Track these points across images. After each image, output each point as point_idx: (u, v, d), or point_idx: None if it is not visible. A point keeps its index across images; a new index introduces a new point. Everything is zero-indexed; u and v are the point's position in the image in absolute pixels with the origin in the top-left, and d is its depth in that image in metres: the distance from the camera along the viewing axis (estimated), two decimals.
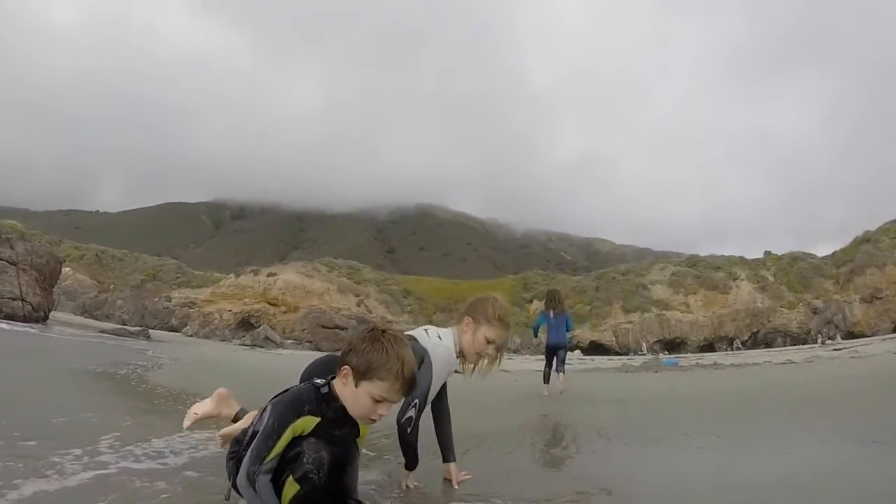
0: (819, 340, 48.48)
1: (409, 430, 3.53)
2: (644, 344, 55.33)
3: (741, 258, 66.56)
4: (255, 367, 15.93)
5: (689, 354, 44.19)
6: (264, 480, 2.45)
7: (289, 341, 48.90)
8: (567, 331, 11.04)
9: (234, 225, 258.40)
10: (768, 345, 54.36)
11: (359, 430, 2.87)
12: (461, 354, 3.79)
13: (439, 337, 3.74)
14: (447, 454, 3.86)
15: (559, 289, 16.66)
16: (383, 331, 2.69)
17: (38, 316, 21.73)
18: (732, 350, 51.77)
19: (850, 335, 50.79)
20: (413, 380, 2.66)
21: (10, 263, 21.34)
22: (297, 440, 2.54)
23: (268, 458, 2.47)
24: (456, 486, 3.69)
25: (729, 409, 7.24)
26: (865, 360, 15.00)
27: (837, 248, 63.82)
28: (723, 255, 68.40)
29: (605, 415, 7.05)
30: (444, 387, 3.89)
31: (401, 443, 3.57)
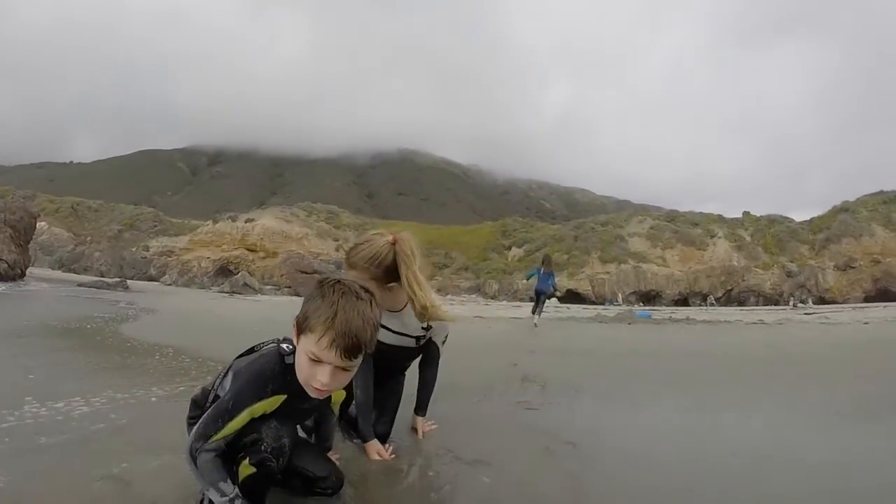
0: (791, 303, 49.16)
1: (355, 394, 3.44)
2: (620, 295, 55.86)
3: (720, 216, 66.93)
4: (233, 317, 15.87)
5: (664, 308, 44.70)
6: (207, 458, 2.21)
7: (267, 287, 48.96)
8: (550, 284, 16.48)
9: (211, 171, 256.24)
10: (741, 303, 55.15)
11: (330, 395, 2.57)
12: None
13: None
14: (417, 406, 3.83)
15: (551, 255, 20.36)
16: (335, 281, 2.33)
17: (15, 273, 21.35)
18: (706, 306, 52.42)
19: (822, 301, 51.74)
20: (350, 336, 2.18)
21: None
22: (257, 420, 2.30)
23: (214, 439, 2.23)
24: (421, 437, 3.66)
25: (697, 368, 7.31)
26: (835, 328, 15.19)
27: (815, 216, 64.39)
28: (702, 213, 68.71)
29: (575, 367, 7.10)
30: (431, 354, 3.82)
31: None
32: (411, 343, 3.70)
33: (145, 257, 65.88)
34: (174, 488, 2.60)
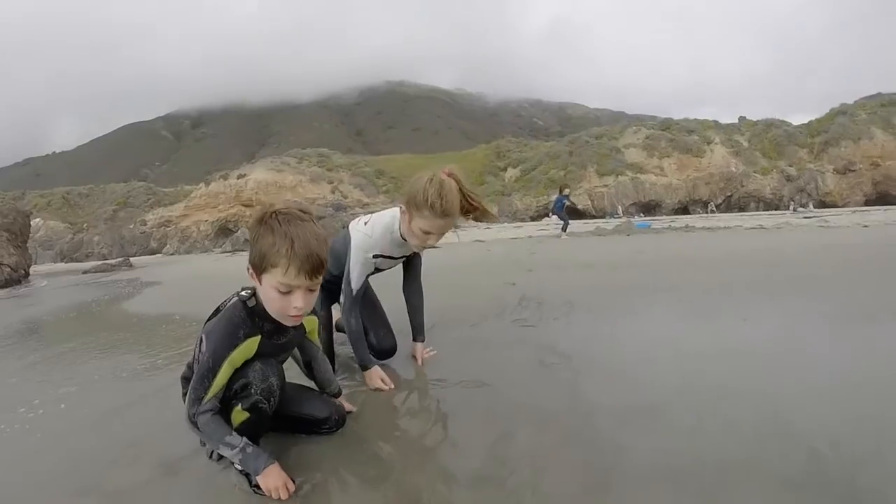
0: (791, 207, 49.17)
1: (346, 324, 3.48)
2: (619, 207, 55.95)
3: (715, 122, 66.53)
4: (236, 275, 15.86)
5: (664, 217, 44.73)
6: (205, 419, 2.30)
7: None
8: (556, 205, 22.17)
9: (196, 133, 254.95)
10: (741, 209, 55.37)
11: (304, 326, 2.69)
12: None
13: (364, 223, 3.60)
14: (415, 334, 3.86)
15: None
16: (273, 213, 2.32)
17: (19, 275, 21.05)
18: (707, 213, 52.46)
19: (822, 204, 51.96)
20: (313, 257, 2.26)
21: None
22: (241, 369, 2.37)
23: (206, 399, 2.31)
24: (420, 364, 3.70)
25: (694, 274, 7.32)
26: (834, 231, 15.17)
27: (813, 119, 63.69)
28: (696, 119, 68.14)
29: (572, 282, 7.11)
30: (413, 266, 3.83)
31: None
32: (402, 259, 3.76)
33: (144, 232, 65.95)
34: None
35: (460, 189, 3.20)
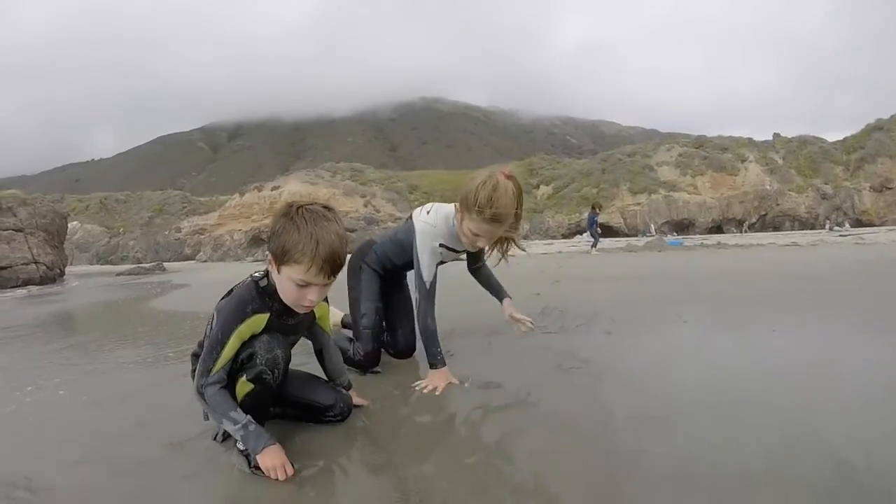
0: (827, 226, 48.44)
1: (418, 317, 3.43)
2: (652, 226, 55.46)
3: (749, 139, 65.72)
4: None
5: (697, 236, 44.31)
6: (213, 391, 2.37)
7: None
8: (590, 224, 22.54)
9: (232, 146, 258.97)
10: (776, 228, 54.56)
11: (314, 312, 2.75)
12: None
13: (427, 213, 3.57)
14: (499, 297, 3.99)
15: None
16: (298, 208, 2.38)
17: (55, 274, 21.78)
18: (742, 232, 51.86)
19: (859, 223, 50.94)
20: (333, 258, 2.33)
21: (16, 231, 21.13)
22: (250, 339, 2.42)
23: (214, 370, 2.37)
24: (515, 318, 3.86)
25: (724, 286, 7.21)
26: (870, 248, 14.92)
27: (848, 135, 62.76)
28: (731, 136, 67.47)
29: (598, 293, 7.02)
30: (477, 254, 3.82)
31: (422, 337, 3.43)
32: (462, 255, 3.74)
33: (178, 238, 67.04)
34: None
35: (517, 194, 3.20)
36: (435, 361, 3.35)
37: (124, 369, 4.25)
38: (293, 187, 65.54)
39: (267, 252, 2.44)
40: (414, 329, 3.80)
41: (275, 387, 2.47)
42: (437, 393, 3.15)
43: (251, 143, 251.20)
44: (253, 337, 2.43)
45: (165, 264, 35.25)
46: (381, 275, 3.87)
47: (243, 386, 2.39)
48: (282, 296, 2.44)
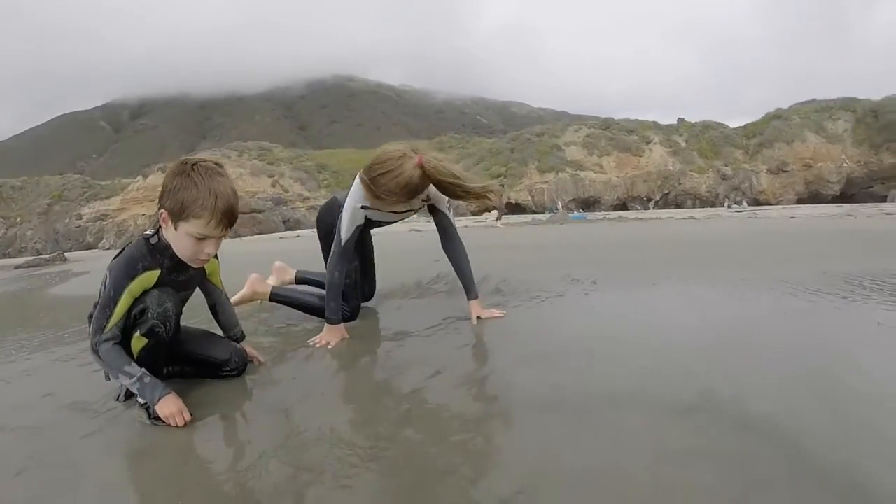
0: (726, 204, 50.44)
1: (329, 275, 3.50)
2: (559, 203, 56.38)
3: (654, 123, 67.54)
4: None
5: (601, 212, 45.38)
6: (107, 347, 2.44)
7: None
8: None
9: (136, 125, 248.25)
10: (678, 206, 56.40)
11: (204, 269, 2.85)
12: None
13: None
14: (466, 292, 3.68)
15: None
16: (193, 164, 2.48)
17: None
18: (645, 209, 53.37)
19: (756, 202, 53.48)
20: (230, 211, 2.46)
21: None
22: (142, 296, 2.49)
23: (108, 328, 2.45)
24: (475, 322, 3.54)
25: (615, 252, 7.52)
26: (761, 221, 15.68)
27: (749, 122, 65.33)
28: (637, 119, 69.15)
29: (492, 259, 7.07)
30: (443, 225, 3.70)
31: None
32: (412, 216, 3.76)
33: (79, 226, 63.61)
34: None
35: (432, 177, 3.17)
36: (332, 316, 3.44)
37: (26, 349, 4.18)
38: None
39: (161, 210, 2.48)
40: (374, 279, 4.07)
41: (167, 339, 2.55)
42: (328, 347, 3.27)
43: (155, 121, 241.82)
44: (144, 293, 2.50)
45: (67, 254, 33.60)
46: (361, 236, 3.80)
47: (138, 341, 2.46)
48: (178, 252, 2.53)
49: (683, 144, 62.72)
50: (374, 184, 3.16)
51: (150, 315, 2.44)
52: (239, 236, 39.49)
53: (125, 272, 2.47)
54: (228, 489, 1.81)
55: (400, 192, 3.14)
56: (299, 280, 4.49)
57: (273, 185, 61.93)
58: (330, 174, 66.22)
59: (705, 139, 63.21)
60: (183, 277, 2.66)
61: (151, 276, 2.51)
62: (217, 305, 3.05)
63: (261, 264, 5.08)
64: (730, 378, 2.31)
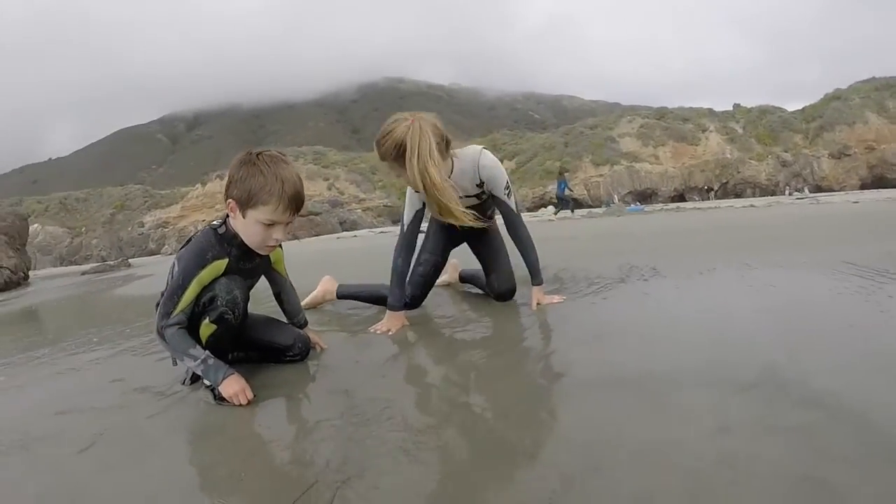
0: (787, 192, 49.12)
1: (393, 261, 3.56)
2: (615, 196, 55.78)
3: (710, 110, 66.31)
4: None
5: (659, 204, 44.76)
6: (172, 331, 2.51)
7: None
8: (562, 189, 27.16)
9: (191, 136, 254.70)
10: (738, 195, 55.20)
11: (269, 257, 2.92)
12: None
13: None
14: (532, 277, 3.67)
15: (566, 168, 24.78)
16: (258, 154, 2.56)
17: (19, 278, 21.00)
18: (704, 199, 52.42)
19: (818, 189, 51.84)
20: (297, 196, 2.55)
21: None
22: (210, 284, 2.56)
23: (175, 313, 2.52)
24: (534, 308, 3.57)
25: (673, 238, 7.46)
26: (823, 206, 15.27)
27: (807, 104, 63.52)
28: (691, 107, 67.99)
29: (551, 250, 7.05)
30: (504, 213, 3.66)
31: None
32: (474, 201, 3.66)
33: (142, 233, 65.81)
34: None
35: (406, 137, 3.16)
36: (395, 303, 3.50)
37: (94, 342, 4.37)
38: None
39: (229, 200, 2.56)
40: (509, 275, 3.91)
41: (236, 326, 2.62)
42: (389, 334, 3.33)
43: (210, 132, 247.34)
44: (213, 281, 2.57)
45: (130, 260, 34.68)
46: (445, 226, 3.84)
47: (207, 328, 2.53)
48: (247, 240, 2.61)
49: (740, 131, 61.46)
50: (377, 149, 3.25)
51: (219, 302, 2.52)
52: (296, 238, 40.10)
53: (195, 261, 2.54)
54: (288, 463, 1.85)
55: (393, 152, 3.17)
56: (340, 296, 4.41)
57: (329, 188, 62.78)
58: (384, 175, 66.52)
59: (763, 125, 61.81)
60: (250, 266, 2.75)
61: (220, 264, 2.58)
62: (282, 293, 3.14)
63: (318, 263, 5.19)
64: (792, 356, 2.27)
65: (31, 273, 24.18)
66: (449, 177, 3.37)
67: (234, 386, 2.41)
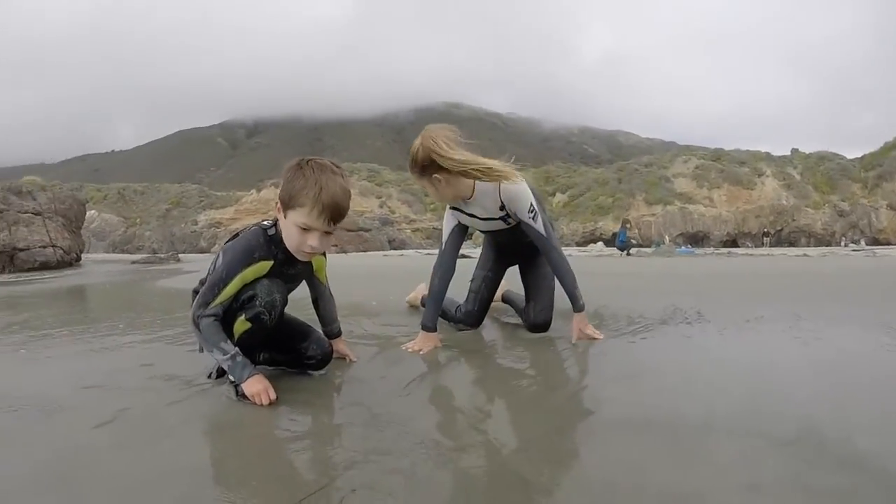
0: (843, 243, 47.92)
1: (430, 280, 3.60)
2: (666, 237, 54.99)
3: (767, 154, 65.23)
4: None
5: (710, 248, 44.10)
6: (207, 322, 2.53)
7: None
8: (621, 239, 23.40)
9: (251, 143, 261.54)
10: (791, 244, 53.91)
11: (312, 264, 2.92)
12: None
13: None
14: (572, 303, 3.54)
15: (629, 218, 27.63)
16: (309, 160, 2.60)
17: (71, 258, 22.07)
18: (761, 245, 51.36)
19: (875, 242, 50.22)
20: (335, 206, 2.50)
21: (35, 214, 21.51)
22: (252, 283, 2.59)
23: (213, 304, 2.54)
24: (574, 340, 3.47)
25: (718, 282, 7.33)
26: (880, 259, 14.89)
27: (867, 152, 62.14)
28: (748, 150, 67.06)
29: (594, 286, 6.93)
30: (535, 237, 3.51)
31: None
32: (502, 224, 3.61)
33: (194, 231, 66.89)
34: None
35: (425, 142, 3.26)
36: (427, 323, 3.46)
37: (131, 327, 4.56)
38: None
39: (276, 200, 2.61)
40: (546, 306, 3.79)
41: (269, 327, 2.63)
42: (420, 353, 3.30)
43: (269, 140, 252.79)
44: (256, 280, 2.60)
45: (180, 255, 35.41)
46: (492, 244, 4.01)
47: (241, 324, 2.56)
48: (286, 241, 2.61)
49: (798, 177, 60.32)
50: (411, 171, 3.36)
51: (258, 302, 2.54)
52: (344, 251, 40.43)
53: (242, 258, 2.58)
54: (298, 465, 1.85)
55: (413, 168, 3.31)
56: (422, 303, 4.30)
57: (380, 206, 63.17)
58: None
59: (820, 171, 60.55)
60: (293, 271, 2.77)
61: (265, 265, 2.62)
62: (319, 300, 3.13)
63: (359, 277, 5.22)
64: (835, 413, 2.18)
65: (83, 255, 24.99)
66: (471, 196, 3.42)
67: (256, 385, 2.43)
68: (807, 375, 2.76)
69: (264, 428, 2.20)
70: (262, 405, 2.38)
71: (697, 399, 2.36)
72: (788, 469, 1.71)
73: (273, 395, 2.42)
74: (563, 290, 3.55)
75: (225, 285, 2.54)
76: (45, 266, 20.14)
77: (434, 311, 3.49)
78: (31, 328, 4.78)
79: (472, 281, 3.97)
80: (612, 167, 72.86)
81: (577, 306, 3.53)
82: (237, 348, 2.53)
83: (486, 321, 4.28)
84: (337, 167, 2.62)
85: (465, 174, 3.26)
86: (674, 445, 1.90)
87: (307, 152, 2.89)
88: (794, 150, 65.70)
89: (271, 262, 2.63)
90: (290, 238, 2.58)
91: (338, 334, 3.20)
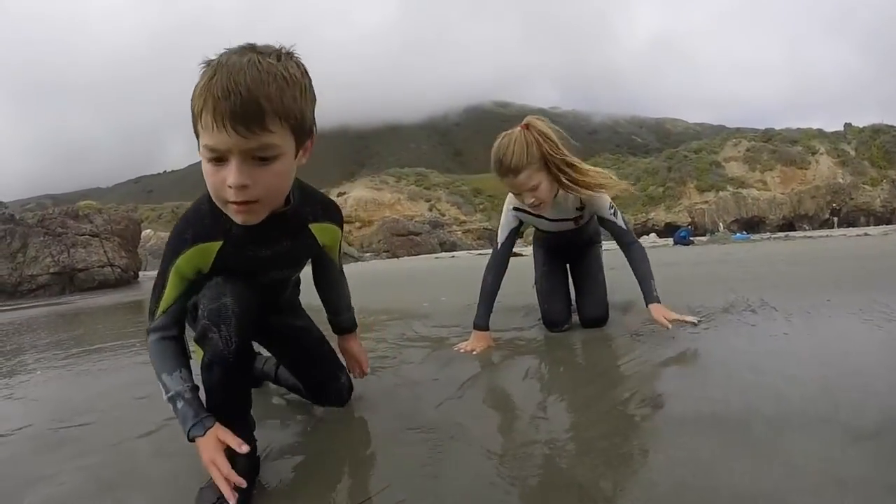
0: None
1: (483, 278, 3.50)
2: (721, 224, 54.08)
3: (819, 131, 63.63)
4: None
5: (767, 234, 43.21)
6: (152, 339, 1.73)
7: (367, 254, 50.19)
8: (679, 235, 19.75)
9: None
10: (850, 224, 52.38)
11: (312, 234, 1.96)
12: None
13: None
14: (646, 296, 3.31)
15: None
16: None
17: (129, 276, 23.00)
18: (820, 227, 50.06)
19: None
20: (237, 93, 1.39)
21: (92, 236, 22.48)
22: (199, 280, 1.77)
23: (157, 314, 1.73)
24: (668, 327, 3.12)
25: (778, 266, 7.11)
26: None
27: None
28: (799, 129, 65.50)
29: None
30: (615, 232, 3.44)
31: None
32: (571, 225, 3.55)
33: None
34: None
35: (530, 140, 3.07)
36: (478, 321, 3.39)
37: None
38: (359, 193, 66.45)
39: None
40: (599, 300, 3.73)
41: (231, 356, 1.65)
42: (473, 353, 3.23)
43: (316, 151, 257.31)
44: (204, 276, 1.77)
45: None
46: (542, 245, 3.98)
47: (198, 352, 1.73)
48: (211, 193, 1.63)
49: (853, 153, 58.67)
50: (500, 166, 3.12)
51: (201, 313, 1.68)
52: (396, 256, 40.64)
53: (171, 244, 1.74)
54: (347, 472, 1.82)
55: (523, 153, 3.06)
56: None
57: (430, 210, 63.57)
58: (486, 198, 67.17)
59: (876, 145, 58.74)
60: (268, 252, 1.82)
61: (206, 250, 1.73)
62: (324, 281, 2.28)
63: (410, 280, 5.21)
64: None
65: (141, 273, 25.77)
66: (555, 196, 3.28)
67: (208, 451, 1.57)
68: (885, 363, 2.59)
69: (307, 434, 2.17)
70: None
71: (768, 391, 2.22)
72: (871, 466, 1.57)
73: (236, 479, 1.50)
74: (639, 284, 3.38)
75: (162, 287, 1.73)
76: (103, 285, 20.83)
77: (486, 309, 3.42)
78: (87, 343, 5.00)
79: (535, 283, 3.90)
80: (661, 155, 72.01)
81: (650, 298, 3.31)
82: (188, 385, 1.67)
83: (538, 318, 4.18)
84: (265, 47, 1.55)
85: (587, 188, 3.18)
86: (746, 443, 1.77)
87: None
88: (848, 125, 63.82)
89: (218, 244, 1.73)
90: (210, 186, 1.59)
91: (350, 329, 2.41)
